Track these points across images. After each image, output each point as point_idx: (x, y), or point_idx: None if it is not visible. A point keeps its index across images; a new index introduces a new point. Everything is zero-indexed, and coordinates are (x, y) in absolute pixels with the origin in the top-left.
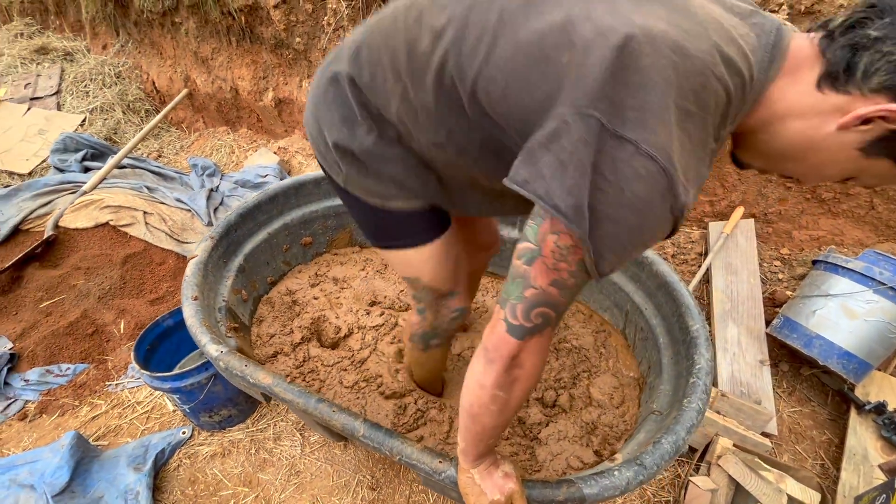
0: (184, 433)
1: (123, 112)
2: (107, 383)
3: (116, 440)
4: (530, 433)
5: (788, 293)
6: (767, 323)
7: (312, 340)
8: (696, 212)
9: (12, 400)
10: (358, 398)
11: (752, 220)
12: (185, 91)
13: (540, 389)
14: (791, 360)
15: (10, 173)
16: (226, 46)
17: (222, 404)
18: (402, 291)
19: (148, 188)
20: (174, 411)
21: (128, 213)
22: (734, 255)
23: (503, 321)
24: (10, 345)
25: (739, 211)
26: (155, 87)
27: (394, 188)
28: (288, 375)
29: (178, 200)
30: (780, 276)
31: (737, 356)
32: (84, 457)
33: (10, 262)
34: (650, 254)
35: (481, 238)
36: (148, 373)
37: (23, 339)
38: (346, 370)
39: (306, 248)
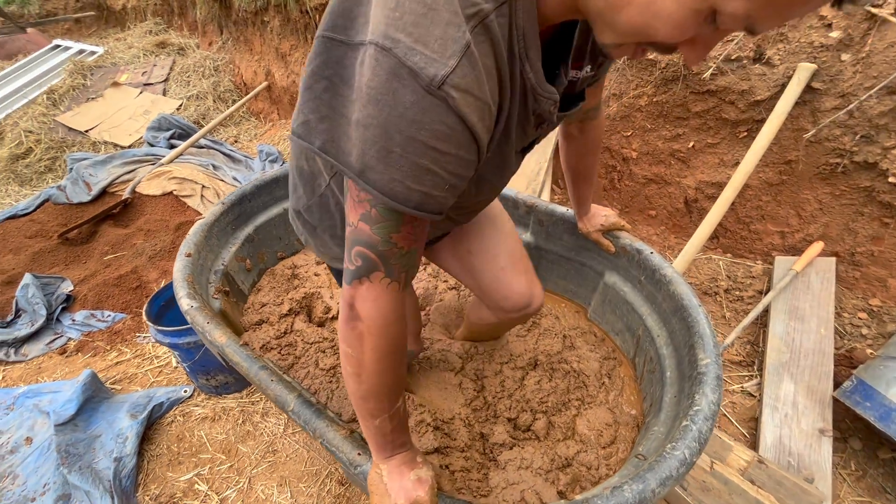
0: (185, 392)
1: (214, 101)
2: (137, 334)
3: (129, 387)
4: (490, 452)
5: (870, 352)
6: (837, 385)
7: (301, 314)
8: (761, 243)
9: (59, 336)
10: (330, 382)
11: (834, 259)
12: (264, 84)
13: (515, 408)
14: (866, 438)
15: (115, 145)
16: (302, 43)
17: (218, 369)
18: None
19: (213, 166)
20: (177, 367)
21: (189, 185)
22: (803, 298)
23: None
24: (71, 287)
25: (817, 247)
26: (243, 81)
27: (331, 241)
28: (265, 345)
29: (235, 179)
30: (865, 331)
31: (789, 419)
32: (94, 396)
33: (91, 217)
34: (670, 271)
35: (501, 291)
36: (154, 325)
37: (82, 284)
38: (324, 352)
39: None
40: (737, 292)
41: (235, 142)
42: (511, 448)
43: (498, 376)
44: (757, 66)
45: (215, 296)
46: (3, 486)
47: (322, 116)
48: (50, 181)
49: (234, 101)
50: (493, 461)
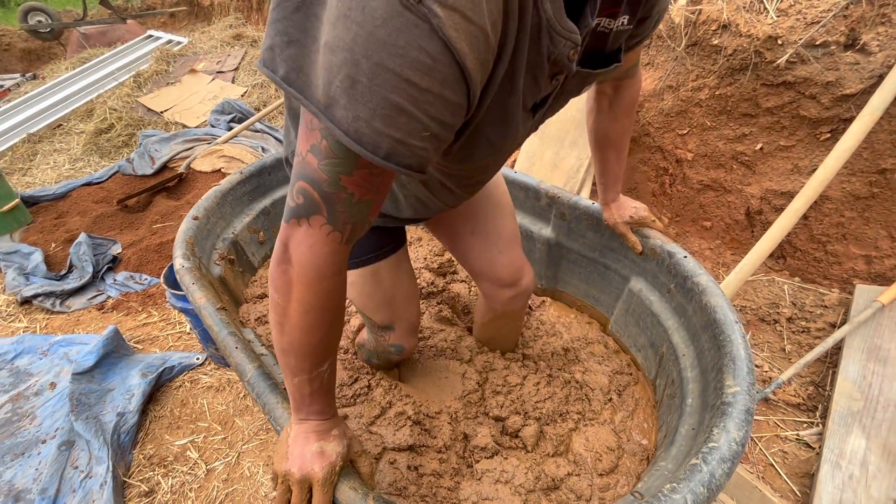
0: (197, 359)
1: (276, 90)
2: (166, 300)
3: (149, 348)
4: (468, 457)
5: None
6: None
7: None
8: (840, 267)
9: (100, 293)
10: None
11: None
12: None
13: (506, 407)
14: None
15: (183, 125)
16: None
17: None
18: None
19: (263, 149)
20: (190, 333)
21: (237, 164)
22: (889, 337)
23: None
24: (119, 250)
25: None
26: None
27: None
28: (260, 318)
29: None
30: None
31: (855, 481)
32: (114, 351)
33: (148, 188)
34: (704, 280)
35: (497, 269)
36: (169, 289)
37: (129, 248)
38: None
39: None
40: (802, 322)
41: None
42: (493, 456)
43: (504, 371)
44: (848, 53)
45: (218, 262)
46: (22, 424)
47: (290, 41)
48: (125, 155)
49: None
50: (470, 468)
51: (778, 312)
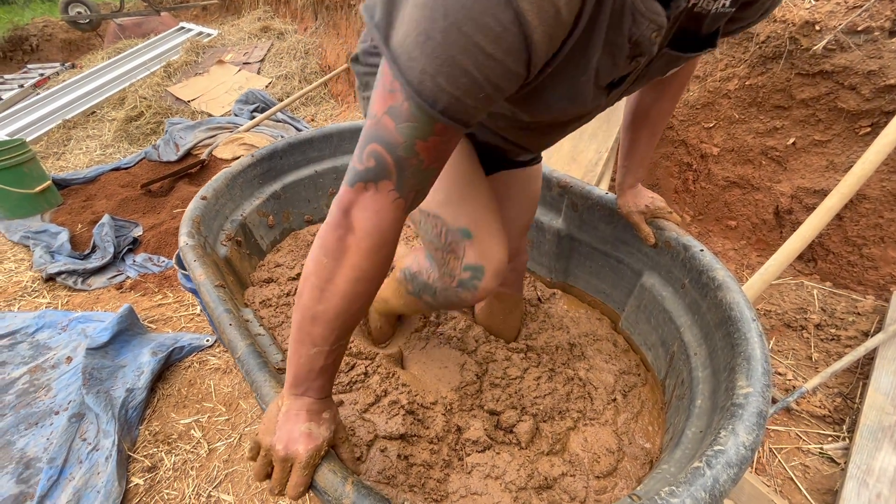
0: (206, 341)
1: (299, 81)
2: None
3: (162, 328)
4: (459, 449)
5: None
6: None
7: None
8: (876, 272)
9: (119, 273)
10: None
11: None
12: (343, 66)
13: (503, 401)
14: None
15: (208, 114)
16: None
17: None
18: None
19: (283, 138)
20: (199, 315)
21: None
22: None
23: (347, 171)
24: (140, 232)
25: None
26: (328, 64)
27: None
28: (264, 301)
29: None
30: None
31: (885, 499)
32: (128, 329)
33: (170, 173)
34: (721, 275)
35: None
36: (181, 270)
37: (149, 231)
38: None
39: None
40: (832, 329)
41: (312, 120)
42: (484, 450)
43: (504, 363)
44: (894, 39)
45: (224, 242)
46: (38, 395)
47: None
48: (152, 142)
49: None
50: (461, 460)
51: (805, 318)
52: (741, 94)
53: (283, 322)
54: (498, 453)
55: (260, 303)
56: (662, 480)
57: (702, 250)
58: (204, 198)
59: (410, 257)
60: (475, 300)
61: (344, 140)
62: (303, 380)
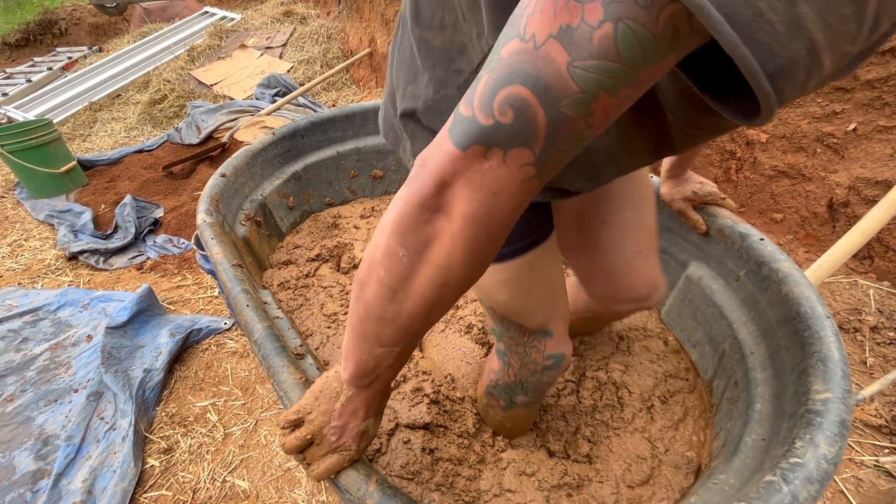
0: (224, 324)
1: (321, 66)
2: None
3: (181, 309)
4: (496, 446)
5: None
6: None
7: (329, 262)
8: None
9: (140, 254)
10: (328, 328)
11: None
12: (366, 50)
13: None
14: None
15: (231, 98)
16: None
17: None
18: None
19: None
20: (218, 297)
21: None
22: None
23: (452, 115)
24: (161, 214)
25: None
26: (350, 48)
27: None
28: (283, 283)
29: None
30: None
31: None
32: (147, 309)
33: (191, 156)
34: (787, 266)
35: (631, 278)
36: (199, 250)
37: (170, 212)
38: (332, 297)
39: (376, 182)
40: (890, 333)
41: (333, 105)
42: (518, 447)
43: None
44: None
45: (243, 222)
46: (58, 372)
47: None
48: (175, 125)
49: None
50: (497, 458)
51: (860, 320)
52: None
53: (301, 305)
54: (533, 452)
55: (278, 285)
56: (721, 493)
57: (762, 239)
58: (223, 175)
59: (483, 378)
60: (560, 374)
61: (368, 120)
62: (367, 375)
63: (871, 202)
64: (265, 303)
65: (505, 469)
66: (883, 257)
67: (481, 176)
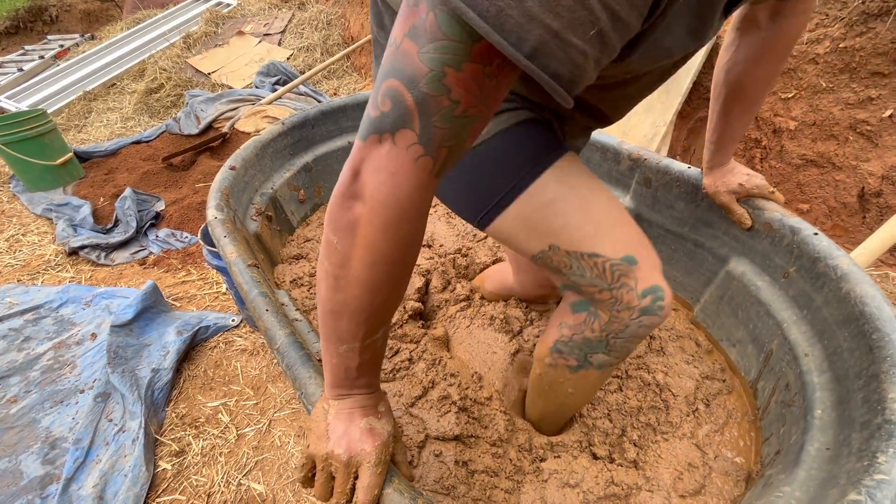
0: (232, 321)
1: (321, 53)
2: (205, 258)
3: (187, 306)
4: (534, 452)
5: None
6: None
7: None
8: None
9: (142, 248)
10: None
11: None
12: (368, 37)
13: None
14: None
15: (229, 87)
16: None
17: None
18: (461, 249)
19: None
20: (226, 293)
21: None
22: None
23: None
24: (163, 207)
25: None
26: (351, 35)
27: None
28: (296, 280)
29: None
30: None
31: None
32: (153, 307)
33: (192, 147)
34: (846, 263)
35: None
36: (206, 245)
37: (172, 205)
38: None
39: None
40: None
41: (335, 94)
42: (559, 455)
43: None
44: None
45: (254, 217)
46: (63, 372)
47: None
48: (173, 115)
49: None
50: (538, 468)
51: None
52: (832, 59)
53: (315, 305)
54: (575, 458)
55: (291, 282)
56: None
57: (816, 234)
58: (233, 168)
59: (551, 332)
60: (661, 322)
61: None
62: (342, 381)
63: None
64: (283, 304)
65: (546, 482)
66: None
67: (379, 159)
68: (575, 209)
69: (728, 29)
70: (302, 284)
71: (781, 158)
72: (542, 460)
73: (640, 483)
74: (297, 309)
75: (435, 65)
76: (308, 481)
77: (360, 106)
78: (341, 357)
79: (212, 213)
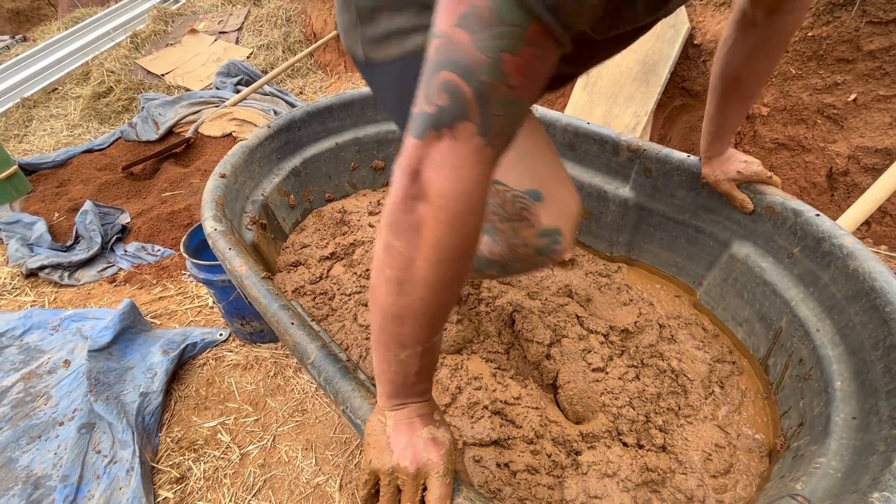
0: (220, 335)
1: (283, 51)
2: (182, 272)
3: (168, 323)
4: (570, 446)
5: None
6: None
7: (343, 260)
8: None
9: (111, 265)
10: (367, 339)
11: None
12: (333, 33)
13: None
14: None
15: (186, 89)
16: None
17: (254, 315)
18: None
19: (275, 112)
20: (213, 308)
21: (248, 127)
22: None
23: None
24: (128, 219)
25: None
26: (313, 31)
27: (413, 12)
28: (298, 289)
29: None
30: None
31: None
32: (132, 327)
33: (154, 154)
34: (849, 241)
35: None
36: (190, 258)
37: (138, 217)
38: (366, 305)
39: (377, 174)
40: None
41: (300, 93)
42: (593, 446)
43: (582, 342)
44: None
45: (249, 226)
46: (37, 405)
47: None
48: (126, 120)
49: (301, 52)
50: (575, 462)
51: None
52: (801, 47)
53: (328, 315)
54: (610, 447)
55: (293, 291)
56: (829, 478)
57: (818, 215)
58: (223, 175)
59: None
60: (556, 263)
61: (366, 108)
62: (401, 389)
63: (871, 170)
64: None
65: (586, 474)
66: (880, 223)
67: (441, 155)
68: None
69: (726, 24)
70: (305, 293)
71: (755, 143)
72: (578, 453)
73: (674, 467)
74: (313, 319)
75: (493, 52)
76: (372, 498)
77: (346, 105)
78: (401, 364)
79: (210, 224)
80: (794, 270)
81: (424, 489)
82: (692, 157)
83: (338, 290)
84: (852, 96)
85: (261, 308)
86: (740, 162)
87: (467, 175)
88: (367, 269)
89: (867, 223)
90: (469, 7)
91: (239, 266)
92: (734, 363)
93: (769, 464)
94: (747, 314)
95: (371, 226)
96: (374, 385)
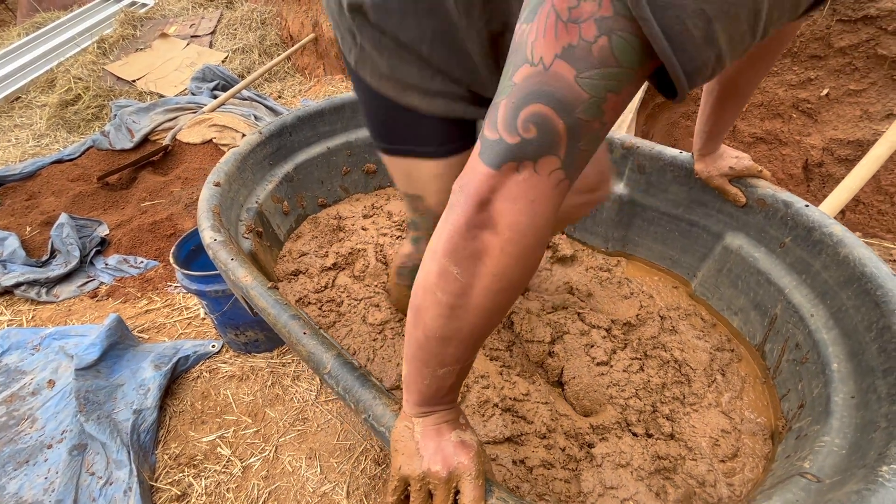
0: (213, 347)
1: (259, 55)
2: (168, 283)
3: (156, 337)
4: (582, 439)
5: None
6: None
7: (346, 270)
8: None
9: (91, 279)
10: (374, 340)
11: None
12: (311, 36)
13: (602, 384)
14: None
15: (160, 95)
16: None
17: (249, 325)
18: None
19: (255, 117)
20: (205, 319)
21: (229, 133)
22: None
23: (479, 141)
24: (107, 231)
25: None
26: (290, 34)
27: (415, 71)
28: (301, 298)
29: None
30: None
31: None
32: (120, 343)
33: (131, 162)
34: (839, 230)
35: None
36: (181, 269)
37: (117, 228)
38: (377, 306)
39: (369, 177)
40: None
41: (279, 97)
42: (604, 437)
43: (584, 337)
44: None
45: (246, 235)
46: (21, 428)
47: None
48: (96, 129)
49: (279, 56)
50: (589, 454)
51: None
52: None
53: (335, 322)
54: (621, 437)
55: (297, 301)
56: (835, 455)
57: (807, 206)
58: (217, 183)
59: (397, 259)
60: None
61: (357, 112)
62: (431, 399)
63: (844, 161)
64: None
65: (601, 465)
66: (854, 211)
67: (518, 188)
68: (443, 186)
69: None
70: (310, 303)
71: (734, 138)
72: (591, 445)
73: (684, 453)
74: (320, 328)
75: (598, 92)
76: (403, 501)
77: (336, 110)
78: (437, 379)
79: (209, 234)
80: (787, 259)
81: (456, 492)
82: (684, 154)
83: (347, 296)
84: (825, 91)
85: (269, 319)
86: (732, 158)
87: (542, 210)
88: (376, 281)
89: (841, 212)
90: (577, 40)
91: (244, 277)
92: (733, 351)
93: (773, 445)
94: (742, 303)
95: (363, 229)
96: (387, 389)
